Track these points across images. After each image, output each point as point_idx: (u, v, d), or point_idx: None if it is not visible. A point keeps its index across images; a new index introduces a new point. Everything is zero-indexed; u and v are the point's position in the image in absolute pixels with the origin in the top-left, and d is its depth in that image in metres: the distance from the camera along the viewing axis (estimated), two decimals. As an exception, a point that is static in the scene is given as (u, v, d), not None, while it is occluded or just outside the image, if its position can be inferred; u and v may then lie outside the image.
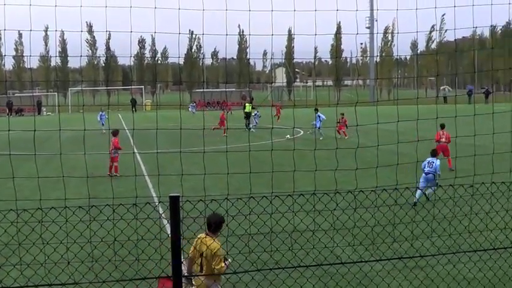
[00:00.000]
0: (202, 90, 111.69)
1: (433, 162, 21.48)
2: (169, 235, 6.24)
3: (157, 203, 17.80)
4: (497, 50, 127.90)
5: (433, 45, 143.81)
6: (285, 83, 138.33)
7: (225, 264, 9.42)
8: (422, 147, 19.40)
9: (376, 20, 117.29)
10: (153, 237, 9.15)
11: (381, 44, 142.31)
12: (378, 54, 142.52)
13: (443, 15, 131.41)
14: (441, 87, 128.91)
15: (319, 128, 42.69)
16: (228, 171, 10.48)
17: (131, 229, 8.76)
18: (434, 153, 22.36)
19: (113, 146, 28.45)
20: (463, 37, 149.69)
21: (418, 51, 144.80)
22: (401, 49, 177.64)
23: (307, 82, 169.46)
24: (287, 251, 11.39)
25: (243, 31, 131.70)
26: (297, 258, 11.66)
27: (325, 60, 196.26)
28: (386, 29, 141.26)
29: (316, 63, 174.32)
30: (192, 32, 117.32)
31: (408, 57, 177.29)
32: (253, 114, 54.67)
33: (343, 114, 42.72)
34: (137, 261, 9.63)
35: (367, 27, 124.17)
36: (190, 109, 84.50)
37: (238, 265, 10.34)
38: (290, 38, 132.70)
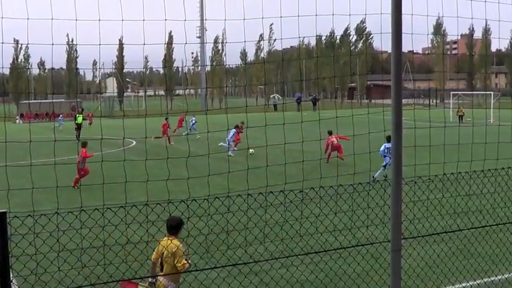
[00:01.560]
0: (28, 101, 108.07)
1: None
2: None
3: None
4: (323, 59, 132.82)
5: (263, 54, 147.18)
6: (116, 93, 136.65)
7: (188, 262, 9.85)
8: (254, 154, 19.79)
9: (206, 30, 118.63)
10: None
11: (212, 53, 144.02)
12: (209, 64, 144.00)
13: (271, 24, 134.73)
14: (271, 96, 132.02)
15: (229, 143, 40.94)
16: (58, 184, 10.21)
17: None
18: (389, 139, 25.23)
19: (81, 157, 27.90)
20: (291, 46, 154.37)
21: (248, 60, 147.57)
22: (232, 58, 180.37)
23: (138, 92, 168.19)
24: (121, 263, 11.25)
25: (72, 40, 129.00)
26: (131, 271, 11.54)
27: (157, 70, 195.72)
28: (216, 38, 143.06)
29: (148, 72, 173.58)
30: (18, 41, 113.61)
31: (239, 66, 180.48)
32: (190, 122, 53.64)
33: (243, 123, 42.27)
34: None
35: (197, 37, 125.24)
36: (59, 120, 79.77)
37: (71, 281, 10.09)
38: (121, 47, 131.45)
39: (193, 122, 54.42)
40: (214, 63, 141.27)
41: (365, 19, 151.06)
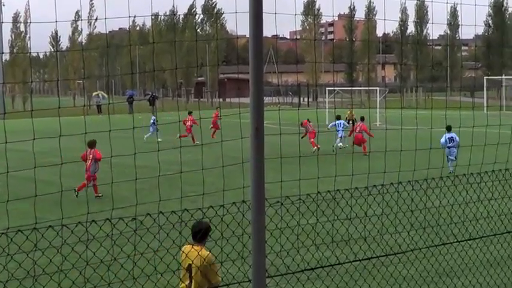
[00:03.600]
0: None
1: (453, 138, 32.95)
2: None
3: None
4: (161, 45, 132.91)
5: (81, 39, 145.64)
6: None
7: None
8: (67, 170, 19.45)
9: (4, 5, 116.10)
10: None
11: (11, 36, 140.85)
12: (8, 51, 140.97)
13: (91, 1, 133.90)
14: (94, 94, 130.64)
15: (341, 136, 47.14)
16: None
17: None
18: (450, 128, 32.99)
19: (92, 160, 27.35)
20: (120, 28, 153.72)
21: (61, 46, 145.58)
22: (39, 43, 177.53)
23: None
24: None
25: None
26: None
27: None
28: (16, 16, 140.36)
29: None
30: None
31: (48, 54, 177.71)
32: (151, 121, 55.19)
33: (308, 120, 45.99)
34: None
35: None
36: None
37: None
38: None
39: (153, 120, 54.91)
40: (14, 50, 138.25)
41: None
